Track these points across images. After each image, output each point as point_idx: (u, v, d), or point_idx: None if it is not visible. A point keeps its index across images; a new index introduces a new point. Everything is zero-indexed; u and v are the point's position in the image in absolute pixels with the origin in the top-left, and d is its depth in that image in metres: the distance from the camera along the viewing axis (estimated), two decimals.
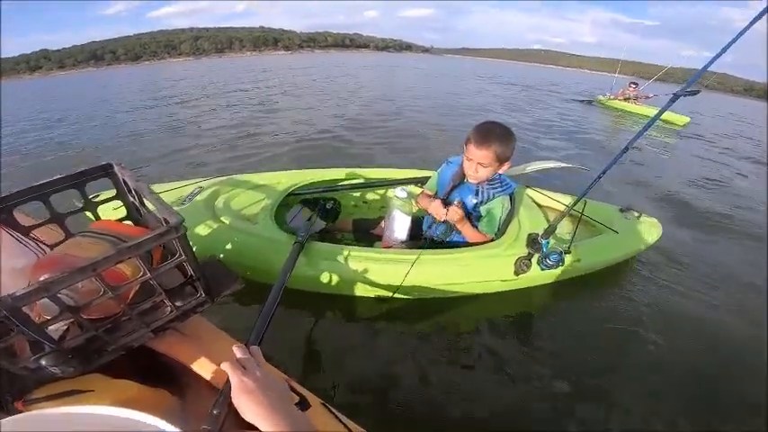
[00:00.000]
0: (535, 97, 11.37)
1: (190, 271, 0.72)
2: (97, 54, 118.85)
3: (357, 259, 1.45)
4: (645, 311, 1.76)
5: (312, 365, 1.39)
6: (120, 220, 0.89)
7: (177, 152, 4.21)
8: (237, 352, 0.54)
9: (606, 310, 1.76)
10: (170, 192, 1.81)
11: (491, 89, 12.97)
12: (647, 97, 9.09)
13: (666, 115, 7.69)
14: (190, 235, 1.44)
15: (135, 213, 0.90)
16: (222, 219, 1.63)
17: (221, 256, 1.49)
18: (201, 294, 0.77)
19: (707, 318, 1.77)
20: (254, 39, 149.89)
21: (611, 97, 9.70)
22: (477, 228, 1.59)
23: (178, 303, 0.74)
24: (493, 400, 1.28)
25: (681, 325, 1.70)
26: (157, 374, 0.78)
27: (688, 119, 8.12)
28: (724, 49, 1.10)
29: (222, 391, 0.50)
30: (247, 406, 0.46)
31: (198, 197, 1.78)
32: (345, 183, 2.15)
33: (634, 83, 9.53)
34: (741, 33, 1.08)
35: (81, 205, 0.86)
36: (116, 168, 0.83)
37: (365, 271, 1.43)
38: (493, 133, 1.37)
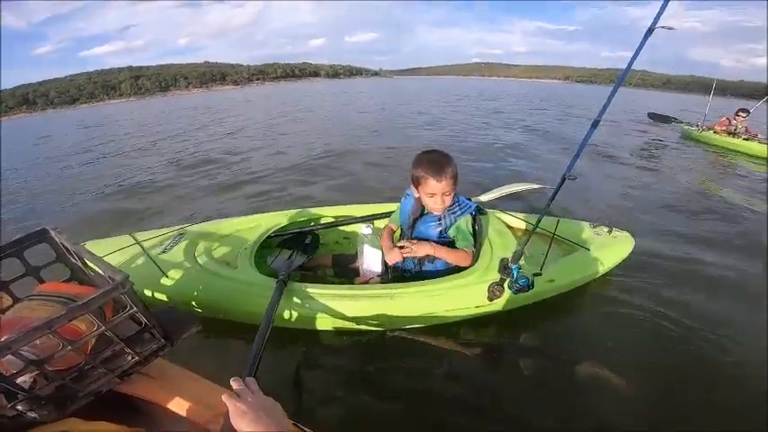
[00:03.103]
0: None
1: (143, 320, 0.81)
2: (29, 98, 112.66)
3: (335, 297, 1.54)
4: (616, 330, 1.81)
5: (294, 398, 1.46)
6: (66, 281, 0.96)
7: (152, 201, 4.15)
8: (234, 384, 0.62)
9: (582, 327, 1.86)
10: (153, 239, 1.92)
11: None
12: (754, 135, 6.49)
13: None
14: (171, 280, 1.61)
15: (80, 273, 0.97)
16: (202, 264, 1.73)
17: (194, 302, 1.58)
18: (160, 340, 0.86)
19: (688, 340, 1.76)
20: (200, 75, 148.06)
21: (704, 129, 7.30)
22: (455, 248, 1.65)
23: (138, 349, 0.82)
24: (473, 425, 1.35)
25: (653, 343, 1.75)
26: (134, 416, 0.87)
27: None
28: (629, 65, 1.37)
29: (225, 419, 0.59)
30: (244, 427, 0.54)
31: (180, 243, 1.89)
32: (322, 222, 2.27)
33: (744, 110, 6.88)
34: (637, 51, 1.33)
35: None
36: (52, 233, 0.93)
37: (344, 307, 1.52)
38: (443, 161, 1.47)
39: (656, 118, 9.10)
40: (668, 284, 2.16)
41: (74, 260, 0.94)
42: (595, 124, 1.41)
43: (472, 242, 1.64)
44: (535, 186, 2.29)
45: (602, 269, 1.93)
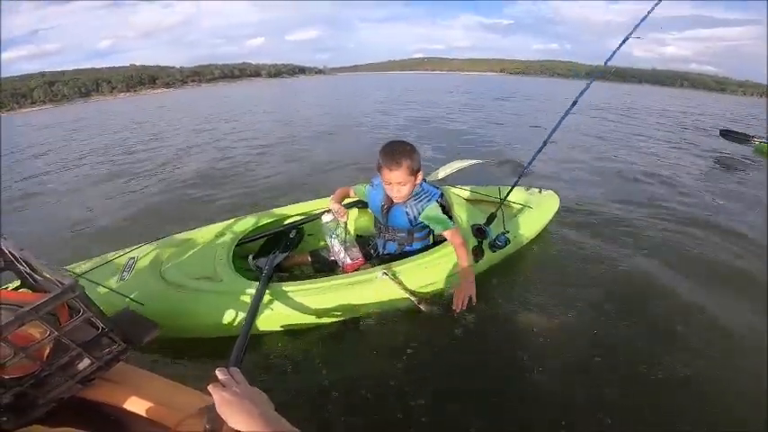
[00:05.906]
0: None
1: (99, 324, 0.82)
2: None
3: (336, 287, 1.57)
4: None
5: (282, 392, 1.43)
6: (17, 288, 0.97)
7: (82, 224, 3.63)
8: (219, 374, 0.62)
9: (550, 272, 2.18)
10: (96, 270, 1.70)
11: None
12: None
13: None
14: (148, 310, 1.44)
15: (30, 281, 0.97)
16: (179, 285, 1.60)
17: (180, 327, 1.50)
18: (120, 343, 0.87)
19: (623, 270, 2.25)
20: (127, 78, 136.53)
21: None
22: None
23: (97, 354, 0.83)
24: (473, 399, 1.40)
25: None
26: (102, 422, 0.86)
27: None
28: (621, 44, 1.89)
29: (210, 409, 0.60)
30: (230, 415, 0.54)
31: (137, 268, 1.72)
32: (289, 221, 2.26)
33: None
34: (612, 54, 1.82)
35: None
36: None
37: (345, 296, 1.56)
38: (399, 152, 1.52)
39: (731, 137, 6.96)
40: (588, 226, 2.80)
41: (22, 267, 0.92)
42: (574, 103, 1.93)
43: (450, 222, 1.67)
44: (480, 161, 2.67)
45: (545, 221, 2.31)
